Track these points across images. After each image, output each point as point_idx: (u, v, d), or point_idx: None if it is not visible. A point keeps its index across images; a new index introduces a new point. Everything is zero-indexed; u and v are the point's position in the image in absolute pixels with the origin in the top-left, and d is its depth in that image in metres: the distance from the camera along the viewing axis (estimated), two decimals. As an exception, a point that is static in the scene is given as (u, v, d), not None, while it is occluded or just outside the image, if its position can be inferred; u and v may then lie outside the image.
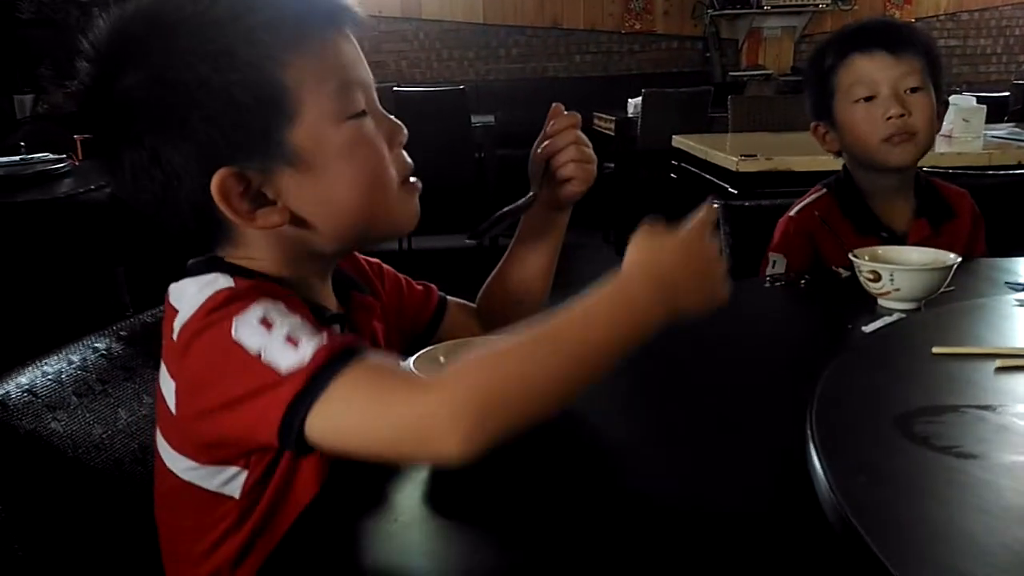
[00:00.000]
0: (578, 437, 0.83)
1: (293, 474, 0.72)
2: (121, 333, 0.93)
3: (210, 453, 0.70)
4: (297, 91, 0.70)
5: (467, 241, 0.91)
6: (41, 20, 5.59)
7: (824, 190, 1.46)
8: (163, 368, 0.72)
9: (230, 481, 0.71)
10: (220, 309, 0.66)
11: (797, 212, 1.45)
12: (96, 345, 0.90)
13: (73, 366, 0.86)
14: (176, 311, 0.70)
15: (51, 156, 2.95)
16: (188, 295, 0.70)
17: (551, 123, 0.92)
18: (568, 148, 0.92)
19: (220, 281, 0.70)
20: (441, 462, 0.63)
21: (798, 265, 1.39)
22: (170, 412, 0.70)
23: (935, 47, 1.44)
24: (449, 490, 0.71)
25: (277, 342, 0.63)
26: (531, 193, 0.93)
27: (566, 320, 0.64)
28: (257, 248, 0.75)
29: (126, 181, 0.71)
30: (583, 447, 0.81)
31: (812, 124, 1.47)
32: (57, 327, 0.95)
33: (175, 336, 0.69)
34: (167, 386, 0.71)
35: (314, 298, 0.78)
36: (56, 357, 0.85)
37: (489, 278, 1.03)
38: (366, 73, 0.76)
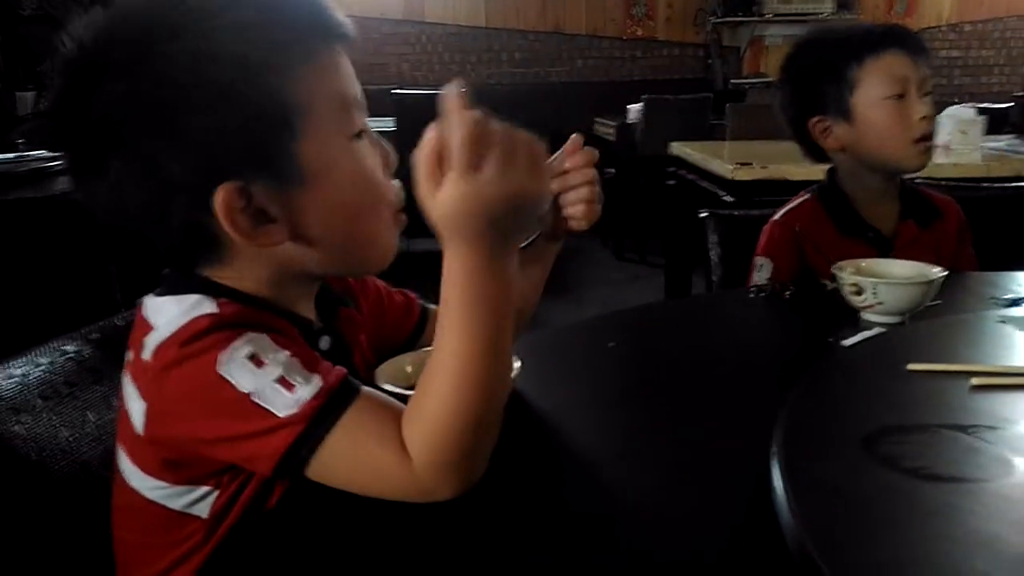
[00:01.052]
0: (545, 448, 0.83)
1: (267, 492, 0.70)
2: (91, 336, 0.92)
3: (179, 473, 0.69)
4: (303, 105, 0.68)
5: None
6: (43, 17, 5.60)
7: (809, 195, 1.45)
8: (129, 385, 0.70)
9: (199, 501, 0.70)
10: (203, 338, 0.65)
11: (782, 216, 1.43)
12: (65, 348, 0.89)
13: (40, 368, 0.85)
14: (151, 327, 0.68)
15: (47, 154, 2.94)
16: (167, 314, 0.68)
17: (569, 157, 0.88)
18: (582, 187, 0.89)
19: (204, 305, 0.68)
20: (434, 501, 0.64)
21: (784, 269, 1.38)
22: (135, 432, 0.68)
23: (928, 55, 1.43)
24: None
25: (269, 383, 0.63)
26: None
27: (444, 338, 0.63)
28: (245, 267, 0.72)
29: (107, 192, 0.68)
30: (549, 459, 0.81)
31: (810, 120, 1.41)
32: (48, 325, 0.94)
33: (147, 355, 0.67)
34: (135, 406, 0.68)
35: (295, 310, 0.76)
36: (23, 359, 0.84)
37: None
38: (360, 93, 0.75)
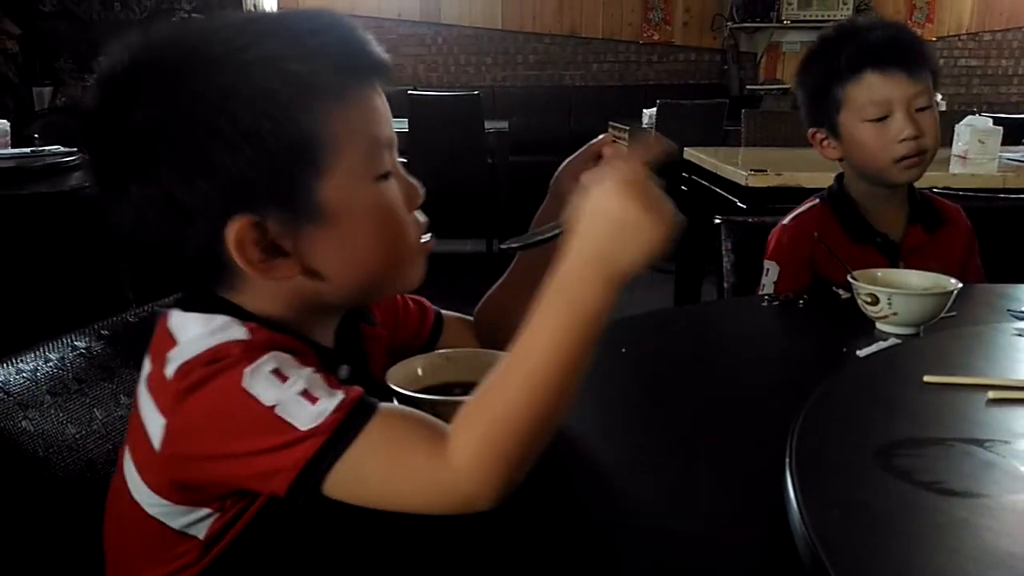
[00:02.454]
0: (556, 455, 0.82)
1: (264, 517, 0.69)
2: (102, 332, 0.92)
3: (186, 495, 0.68)
4: (330, 144, 0.67)
5: (501, 247, 0.88)
6: (62, 13, 5.64)
7: (817, 200, 1.46)
8: (148, 398, 0.68)
9: (197, 523, 0.69)
10: (231, 359, 0.64)
11: (791, 220, 1.44)
12: (76, 343, 0.89)
13: (50, 364, 0.85)
14: (175, 342, 0.67)
15: (62, 149, 2.95)
16: (193, 333, 0.67)
17: (604, 148, 0.87)
18: None
19: (235, 329, 0.67)
20: (470, 512, 0.62)
21: (792, 272, 1.38)
22: (151, 447, 0.67)
23: (936, 57, 1.41)
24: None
25: (292, 396, 0.62)
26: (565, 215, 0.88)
27: (527, 336, 0.63)
28: (259, 294, 0.71)
29: (126, 212, 0.68)
30: (560, 466, 0.80)
31: (810, 130, 1.44)
32: (59, 321, 0.94)
33: (170, 372, 0.65)
34: (153, 420, 0.67)
35: (313, 337, 0.74)
36: (33, 354, 0.84)
37: (492, 292, 0.98)
38: (393, 132, 0.74)
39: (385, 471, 0.62)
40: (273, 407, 0.61)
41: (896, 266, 1.37)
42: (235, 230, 0.65)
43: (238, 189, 0.65)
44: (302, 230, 0.68)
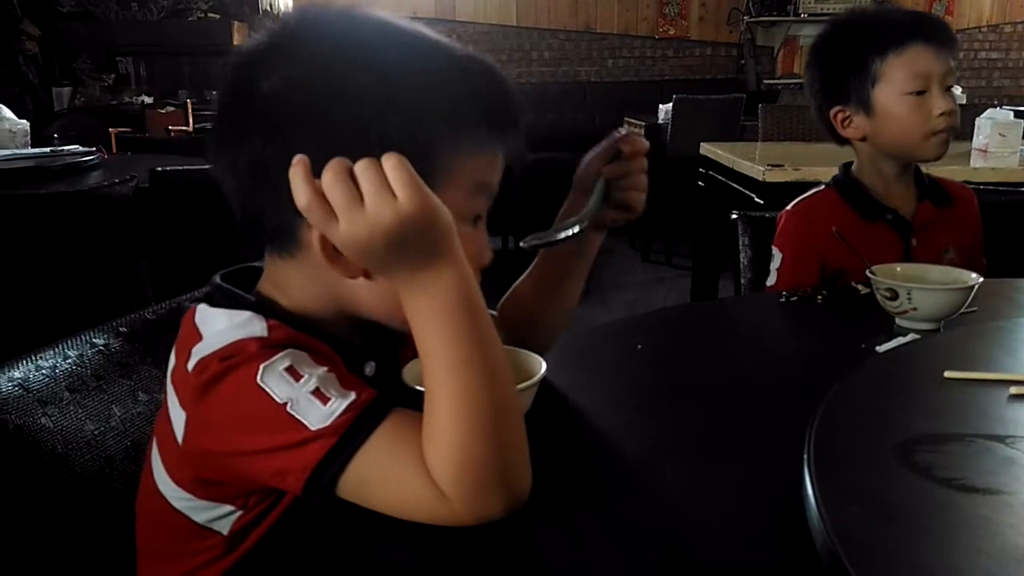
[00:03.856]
0: (573, 451, 0.82)
1: (291, 517, 0.69)
2: (121, 329, 0.92)
3: (208, 490, 0.69)
4: (446, 170, 0.67)
5: (521, 245, 0.87)
6: (81, 13, 5.69)
7: (823, 187, 1.46)
8: (172, 392, 0.69)
9: (220, 518, 0.69)
10: (246, 354, 0.64)
11: (795, 205, 1.44)
12: (95, 340, 0.89)
13: (69, 361, 0.85)
14: (200, 336, 0.68)
15: (81, 149, 2.98)
16: (216, 327, 0.68)
17: (625, 143, 0.86)
18: (639, 175, 0.87)
19: (254, 325, 0.67)
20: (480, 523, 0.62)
21: (796, 259, 1.38)
22: (175, 441, 0.68)
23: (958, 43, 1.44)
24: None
25: (304, 395, 0.62)
26: (586, 211, 0.85)
27: (426, 361, 0.63)
28: (307, 275, 0.70)
29: (223, 172, 0.69)
30: (577, 462, 0.80)
31: (832, 110, 1.41)
32: (79, 319, 0.95)
33: (191, 365, 0.66)
34: (176, 414, 0.68)
35: (343, 334, 0.73)
36: (52, 351, 0.85)
37: (516, 286, 0.96)
38: (498, 186, 0.74)
39: (389, 478, 0.62)
40: (285, 404, 0.61)
41: (908, 242, 1.38)
42: None
43: None
44: None
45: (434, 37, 0.71)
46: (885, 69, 1.34)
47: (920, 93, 1.33)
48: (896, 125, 1.35)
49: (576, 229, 0.83)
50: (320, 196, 0.58)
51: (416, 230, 0.59)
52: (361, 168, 0.59)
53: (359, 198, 0.58)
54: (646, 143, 0.88)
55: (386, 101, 0.64)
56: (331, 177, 0.58)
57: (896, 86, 1.34)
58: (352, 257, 0.61)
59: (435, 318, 0.62)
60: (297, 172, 0.59)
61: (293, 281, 0.71)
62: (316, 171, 0.60)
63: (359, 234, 0.58)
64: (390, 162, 0.59)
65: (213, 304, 0.70)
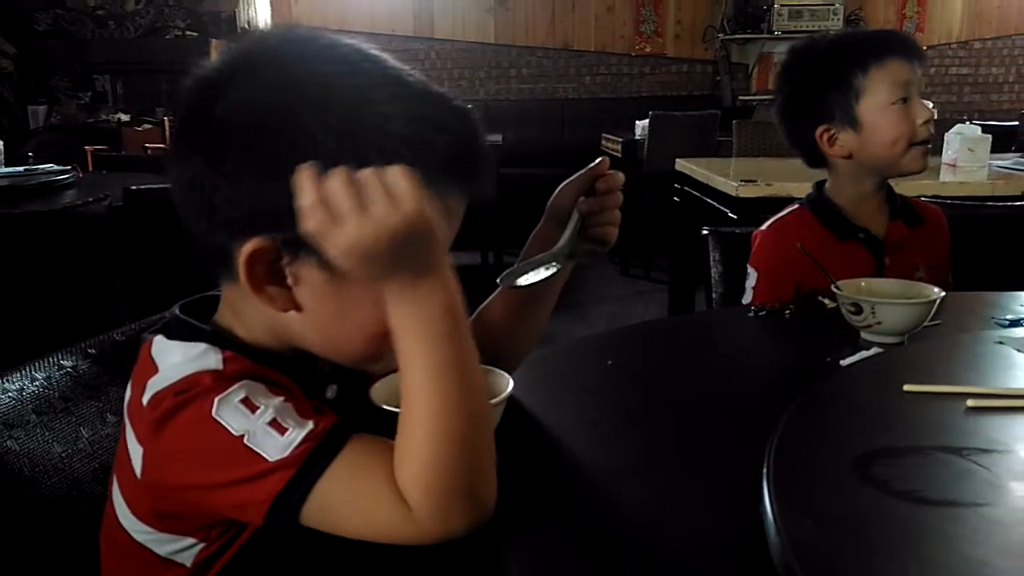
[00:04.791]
0: (542, 468, 0.82)
1: (253, 549, 0.69)
2: (89, 351, 0.92)
3: (169, 523, 0.68)
4: None
5: (498, 282, 0.86)
6: (57, 31, 5.66)
7: (797, 206, 1.48)
8: (129, 426, 0.68)
9: (183, 551, 0.69)
10: (200, 388, 0.64)
11: (770, 225, 1.46)
12: (62, 362, 0.89)
13: (36, 383, 0.85)
14: (156, 369, 0.67)
15: (55, 168, 2.96)
16: (172, 360, 0.67)
17: (600, 180, 0.86)
18: (614, 211, 0.87)
19: (209, 358, 0.66)
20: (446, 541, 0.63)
21: (771, 278, 1.39)
22: (134, 474, 0.67)
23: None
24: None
25: (261, 426, 0.62)
26: (560, 245, 0.84)
27: (404, 377, 0.63)
28: (254, 319, 0.70)
29: (174, 185, 0.68)
30: (550, 476, 0.80)
31: (818, 129, 1.41)
32: (53, 339, 0.94)
33: (146, 399, 0.65)
34: (134, 449, 0.67)
35: (306, 358, 0.72)
36: (19, 374, 0.85)
37: (483, 309, 0.95)
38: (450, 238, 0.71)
39: (352, 505, 0.62)
40: (242, 437, 0.61)
41: (881, 261, 1.40)
42: (255, 244, 0.64)
43: (278, 210, 0.62)
44: (310, 269, 0.65)
45: (399, 72, 0.67)
46: (868, 83, 1.37)
47: (904, 102, 1.37)
48: (884, 135, 1.38)
49: (553, 271, 0.84)
50: (324, 201, 0.58)
51: (420, 237, 0.60)
52: (367, 175, 0.59)
53: (364, 204, 0.58)
54: (621, 177, 0.87)
55: (325, 131, 0.62)
56: (339, 182, 0.58)
57: (880, 97, 1.37)
58: (353, 263, 0.60)
59: (426, 326, 0.62)
60: (305, 173, 0.59)
61: (246, 309, 0.70)
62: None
63: (366, 238, 0.58)
64: (396, 170, 0.59)
65: (170, 336, 0.70)
